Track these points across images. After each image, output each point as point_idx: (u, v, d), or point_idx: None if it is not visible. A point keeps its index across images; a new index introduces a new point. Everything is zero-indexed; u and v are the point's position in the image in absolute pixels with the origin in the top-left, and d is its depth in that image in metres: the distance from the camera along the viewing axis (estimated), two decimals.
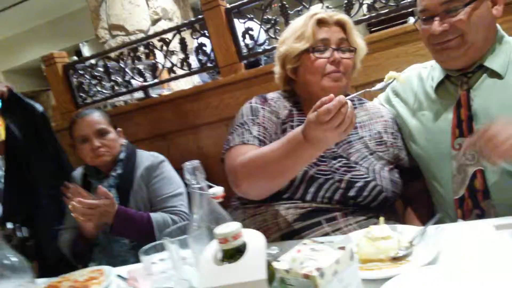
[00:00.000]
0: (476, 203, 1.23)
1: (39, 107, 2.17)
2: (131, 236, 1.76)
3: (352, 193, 1.31)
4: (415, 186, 1.47)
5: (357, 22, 1.99)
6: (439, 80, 1.34)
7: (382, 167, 1.37)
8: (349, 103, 1.03)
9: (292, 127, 1.40)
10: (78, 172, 2.00)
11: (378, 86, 1.23)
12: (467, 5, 1.20)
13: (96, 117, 1.86)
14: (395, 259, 0.98)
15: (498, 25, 1.31)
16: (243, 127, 1.39)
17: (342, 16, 1.42)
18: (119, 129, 1.94)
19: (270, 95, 1.50)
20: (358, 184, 1.31)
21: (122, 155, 1.88)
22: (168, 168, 1.90)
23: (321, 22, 1.39)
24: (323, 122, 1.01)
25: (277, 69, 1.50)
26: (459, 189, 1.25)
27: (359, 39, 1.43)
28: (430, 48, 1.31)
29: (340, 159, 1.36)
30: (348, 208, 1.31)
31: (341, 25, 1.41)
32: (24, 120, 2.11)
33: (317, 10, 1.43)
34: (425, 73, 1.43)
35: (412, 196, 1.50)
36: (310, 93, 1.42)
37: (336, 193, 1.31)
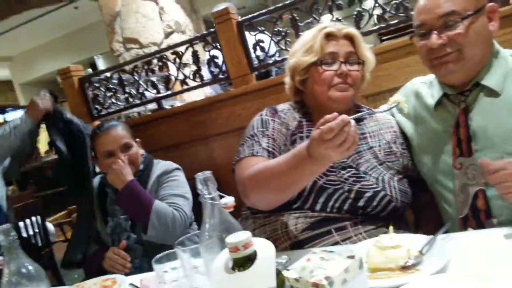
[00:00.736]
0: (479, 222, 1.22)
1: (79, 123, 2.20)
2: (130, 209, 1.80)
3: (361, 203, 1.31)
4: (425, 196, 1.47)
5: (367, 33, 2.02)
6: (438, 99, 1.35)
7: (391, 177, 1.38)
8: (352, 122, 1.05)
9: (301, 138, 1.42)
10: (96, 181, 2.03)
11: (382, 108, 1.25)
12: (465, 19, 1.21)
13: (121, 131, 1.88)
14: (405, 268, 0.99)
15: (494, 41, 1.31)
16: (253, 139, 1.42)
17: (350, 29, 1.44)
18: (138, 140, 1.97)
19: (280, 107, 1.52)
20: (367, 194, 1.32)
21: (141, 167, 1.92)
22: (179, 174, 1.94)
23: (329, 36, 1.42)
24: (325, 140, 1.03)
25: (287, 80, 1.52)
26: (463, 209, 1.25)
27: (367, 51, 1.45)
28: (427, 64, 1.31)
29: (349, 169, 1.37)
30: (358, 217, 1.32)
31: (349, 38, 1.43)
32: (67, 136, 2.16)
33: (326, 24, 1.46)
34: (423, 89, 1.43)
35: (422, 205, 1.50)
36: (318, 103, 1.45)
37: (346, 203, 1.32)
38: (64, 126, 2.16)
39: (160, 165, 1.96)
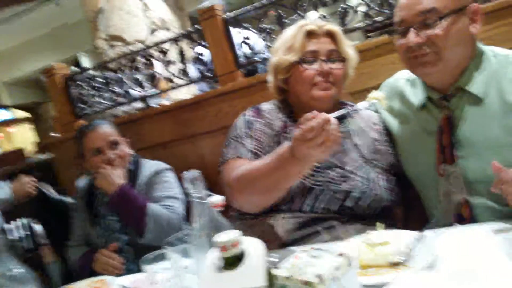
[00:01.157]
0: None
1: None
2: (124, 214, 1.78)
3: (349, 203, 1.31)
4: (413, 191, 1.47)
5: (352, 30, 2.02)
6: (422, 101, 1.32)
7: (377, 175, 1.38)
8: (333, 120, 1.05)
9: (286, 138, 1.40)
10: (83, 182, 2.01)
11: (362, 105, 1.25)
12: (444, 18, 1.17)
13: (108, 129, 1.88)
14: (394, 264, 0.99)
15: (478, 42, 1.27)
16: (237, 140, 1.42)
17: (331, 26, 1.42)
18: (126, 139, 1.96)
19: (264, 106, 1.51)
20: (354, 194, 1.32)
21: (130, 167, 1.90)
22: (170, 175, 1.92)
23: (310, 34, 1.40)
24: (306, 139, 1.04)
25: (270, 78, 1.51)
26: (448, 216, 1.24)
27: (349, 48, 1.43)
28: (406, 63, 1.28)
29: (335, 169, 1.36)
30: (346, 216, 1.32)
31: (330, 35, 1.41)
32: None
33: (306, 21, 1.44)
34: (407, 87, 1.40)
35: (410, 200, 1.49)
36: (301, 102, 1.44)
37: (333, 204, 1.31)
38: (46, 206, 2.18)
39: (149, 165, 1.95)
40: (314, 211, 1.31)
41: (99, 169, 1.78)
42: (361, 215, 1.32)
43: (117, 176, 1.76)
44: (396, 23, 1.27)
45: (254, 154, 1.37)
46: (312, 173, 1.34)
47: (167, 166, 1.96)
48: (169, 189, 1.86)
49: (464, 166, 1.20)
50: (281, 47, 1.43)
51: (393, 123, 1.44)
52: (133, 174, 1.89)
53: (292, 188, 1.32)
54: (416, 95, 1.35)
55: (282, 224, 1.33)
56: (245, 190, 1.26)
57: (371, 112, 1.53)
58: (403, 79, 1.43)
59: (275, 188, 1.23)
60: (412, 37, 1.20)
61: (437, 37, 1.18)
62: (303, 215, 1.32)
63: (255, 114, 1.47)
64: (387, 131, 1.47)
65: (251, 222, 1.39)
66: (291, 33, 1.43)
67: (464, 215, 1.20)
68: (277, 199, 1.30)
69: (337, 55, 1.41)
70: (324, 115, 1.05)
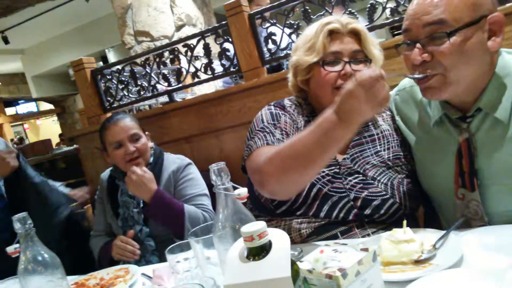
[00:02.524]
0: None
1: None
2: (163, 219, 1.78)
3: (367, 211, 1.25)
4: None
5: (380, 26, 2.00)
6: (437, 117, 1.19)
7: (401, 181, 1.30)
8: (385, 76, 0.99)
9: None
10: (105, 174, 2.05)
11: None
12: (453, 34, 1.01)
13: (129, 122, 1.89)
14: (418, 262, 0.98)
15: (503, 55, 1.11)
16: (265, 131, 1.33)
17: (356, 25, 1.32)
18: (147, 132, 1.97)
19: (286, 102, 1.44)
20: (375, 203, 1.25)
21: (151, 159, 1.92)
22: (194, 170, 1.94)
23: (333, 33, 1.31)
24: (363, 85, 0.97)
25: (289, 77, 1.45)
26: None
27: (375, 48, 1.34)
28: (414, 80, 1.14)
29: (356, 175, 1.30)
30: (364, 221, 1.26)
31: (355, 34, 1.32)
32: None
33: (329, 19, 1.34)
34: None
35: (432, 207, 1.42)
36: (322, 105, 1.32)
37: (351, 213, 1.25)
38: (20, 183, 2.09)
39: (171, 160, 1.96)
40: (331, 219, 1.26)
41: (129, 176, 1.76)
42: (381, 222, 1.27)
43: (149, 181, 1.76)
44: (403, 31, 1.12)
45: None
46: (331, 180, 1.29)
47: (188, 160, 1.97)
48: (196, 186, 1.88)
49: (485, 195, 1.10)
50: (302, 46, 1.35)
51: (409, 133, 1.34)
52: (156, 168, 1.91)
53: (310, 193, 1.27)
54: (432, 108, 1.22)
55: (298, 229, 1.28)
56: (281, 168, 1.12)
57: (390, 113, 1.43)
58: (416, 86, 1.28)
59: (315, 160, 1.08)
60: (417, 53, 1.06)
61: (443, 56, 1.03)
62: (318, 219, 1.27)
63: (280, 108, 1.41)
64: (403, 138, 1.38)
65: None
66: (313, 31, 1.33)
67: None
68: (313, 178, 1.22)
69: (362, 56, 1.32)
70: (376, 69, 0.99)
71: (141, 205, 1.85)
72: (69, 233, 2.22)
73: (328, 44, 1.30)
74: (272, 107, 1.42)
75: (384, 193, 1.27)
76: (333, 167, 1.32)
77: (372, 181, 1.29)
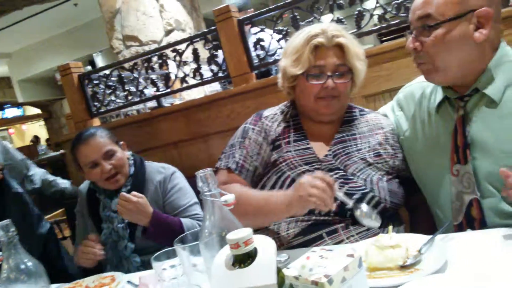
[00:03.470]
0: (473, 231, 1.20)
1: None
2: (164, 239, 1.66)
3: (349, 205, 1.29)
4: (419, 195, 1.45)
5: (367, 33, 2.02)
6: (439, 101, 1.31)
7: (380, 178, 1.37)
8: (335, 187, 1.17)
9: (287, 143, 1.44)
10: (84, 186, 1.96)
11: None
12: (436, 27, 1.16)
13: (100, 139, 1.78)
14: (404, 267, 0.99)
15: (503, 43, 1.23)
16: (232, 149, 1.51)
17: (341, 40, 1.38)
18: (121, 142, 1.89)
19: (267, 112, 1.55)
20: (355, 197, 1.30)
21: (131, 170, 1.85)
22: (180, 179, 1.89)
23: (318, 47, 1.38)
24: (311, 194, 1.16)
25: (279, 80, 1.51)
26: (458, 216, 1.23)
27: (358, 61, 1.40)
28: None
29: (337, 171, 1.36)
30: (348, 219, 1.30)
31: (340, 46, 1.39)
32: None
33: (317, 30, 1.39)
34: (428, 88, 1.39)
35: (416, 205, 1.49)
36: (304, 110, 1.48)
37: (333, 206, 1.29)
38: (2, 192, 2.12)
39: (155, 169, 1.89)
40: (315, 213, 1.31)
41: (123, 206, 1.65)
42: None
43: (145, 206, 1.66)
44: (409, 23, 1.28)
45: (240, 165, 1.45)
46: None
47: (173, 168, 1.91)
48: (186, 196, 1.84)
49: (476, 166, 1.19)
50: (289, 55, 1.42)
51: (408, 127, 1.44)
52: (138, 180, 1.84)
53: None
54: (435, 97, 1.35)
55: (286, 229, 1.34)
56: (235, 212, 1.20)
57: (379, 116, 1.52)
58: (422, 83, 1.42)
59: (257, 222, 1.33)
60: (410, 42, 1.23)
61: (429, 46, 1.19)
62: (305, 218, 1.32)
63: (255, 121, 1.52)
64: (397, 135, 1.47)
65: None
66: (300, 42, 1.39)
67: (474, 216, 1.19)
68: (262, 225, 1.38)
69: (344, 69, 1.40)
70: (329, 179, 1.17)
71: (126, 220, 1.77)
72: (47, 248, 2.20)
73: (313, 58, 1.38)
74: (249, 121, 1.55)
75: (363, 187, 1.33)
76: (314, 164, 1.38)
77: (352, 177, 1.35)
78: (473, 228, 1.20)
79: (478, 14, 1.15)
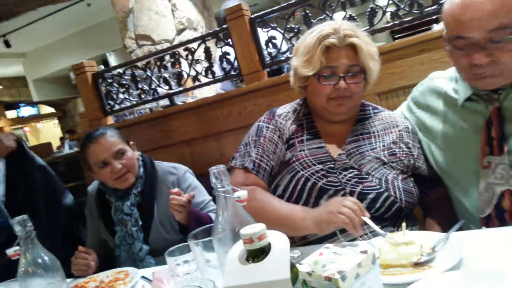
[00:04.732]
0: (503, 223, 1.19)
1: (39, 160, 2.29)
2: None
3: (364, 205, 1.26)
4: (434, 194, 1.45)
5: (380, 30, 2.01)
6: (466, 96, 1.28)
7: (395, 177, 1.35)
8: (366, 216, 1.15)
9: (300, 142, 1.43)
10: (93, 187, 1.95)
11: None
12: None
13: (110, 138, 1.78)
14: (417, 264, 0.99)
15: None
16: (246, 148, 1.49)
17: (353, 40, 1.35)
18: (131, 142, 1.88)
19: (280, 110, 1.53)
20: (370, 196, 1.30)
21: (141, 171, 1.84)
22: (192, 178, 1.89)
23: (330, 47, 1.35)
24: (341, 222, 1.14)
25: (291, 78, 1.50)
26: (486, 208, 1.22)
27: (370, 61, 1.37)
28: (464, 75, 1.24)
29: (351, 170, 1.35)
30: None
31: (352, 46, 1.36)
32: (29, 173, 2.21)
33: (328, 30, 1.36)
34: (445, 84, 1.38)
35: (431, 204, 1.47)
36: (316, 110, 1.47)
37: None
38: (26, 163, 2.20)
39: (166, 170, 1.88)
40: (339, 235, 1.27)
41: (180, 212, 1.61)
42: (378, 217, 1.30)
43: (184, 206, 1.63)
44: (455, 37, 1.17)
45: (255, 165, 1.44)
46: (325, 174, 1.34)
47: (184, 168, 1.90)
48: (203, 193, 1.84)
49: (510, 160, 1.18)
50: (300, 55, 1.41)
51: (430, 121, 1.42)
52: (150, 179, 1.83)
53: (305, 188, 1.33)
54: (457, 92, 1.32)
55: None
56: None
57: (394, 115, 1.50)
58: (442, 78, 1.40)
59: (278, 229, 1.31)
60: (483, 57, 1.13)
61: (506, 56, 1.12)
62: None
63: (268, 119, 1.51)
64: (413, 132, 1.45)
65: None
66: (311, 42, 1.37)
67: (505, 207, 1.18)
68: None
69: (356, 69, 1.37)
70: (360, 205, 1.15)
71: (140, 222, 1.78)
72: (72, 219, 2.28)
73: (324, 60, 1.35)
74: (262, 119, 1.54)
75: (378, 187, 1.31)
76: (328, 163, 1.37)
77: (367, 176, 1.33)
78: (503, 220, 1.19)
79: None
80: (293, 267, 0.75)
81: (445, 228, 1.15)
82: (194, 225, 1.62)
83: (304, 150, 1.41)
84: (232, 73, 2.36)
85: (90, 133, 1.83)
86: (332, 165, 1.36)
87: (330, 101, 1.38)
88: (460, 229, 1.12)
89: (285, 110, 1.53)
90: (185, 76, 2.50)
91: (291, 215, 1.28)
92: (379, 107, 1.54)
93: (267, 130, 1.48)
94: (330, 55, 1.36)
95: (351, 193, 1.30)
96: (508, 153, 1.19)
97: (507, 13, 1.08)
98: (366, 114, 1.49)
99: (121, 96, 2.72)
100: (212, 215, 1.72)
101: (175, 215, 1.63)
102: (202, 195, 1.84)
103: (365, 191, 1.30)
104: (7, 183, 2.17)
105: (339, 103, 1.38)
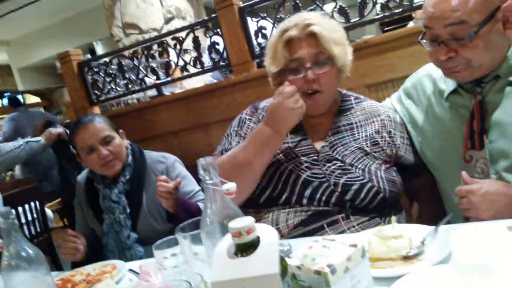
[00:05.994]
0: None
1: None
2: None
3: (348, 196, 1.29)
4: (419, 181, 1.46)
5: (370, 22, 2.00)
6: (452, 89, 1.30)
7: (378, 167, 1.35)
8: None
9: None
10: (83, 177, 1.95)
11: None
12: (475, 34, 1.13)
13: (99, 124, 1.77)
14: (406, 258, 0.99)
15: None
16: (227, 138, 1.52)
17: (313, 28, 1.31)
18: (121, 131, 1.87)
19: (263, 104, 1.54)
20: (354, 187, 1.29)
21: (129, 159, 1.83)
22: (181, 167, 1.89)
23: (291, 40, 1.33)
24: (285, 96, 1.26)
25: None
26: None
27: (336, 47, 1.33)
28: (437, 66, 1.28)
29: (335, 162, 1.35)
30: (348, 210, 1.30)
31: (313, 35, 1.32)
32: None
33: (288, 24, 1.35)
34: (438, 74, 1.38)
35: (416, 191, 1.49)
36: None
37: (332, 197, 1.29)
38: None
39: (155, 159, 1.87)
40: (314, 204, 1.30)
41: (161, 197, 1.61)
42: (364, 208, 1.30)
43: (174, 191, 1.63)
44: (424, 26, 1.22)
45: None
46: (309, 166, 1.34)
47: (173, 157, 1.90)
48: (192, 182, 1.83)
49: (491, 149, 1.19)
50: (267, 53, 1.40)
51: (419, 113, 1.43)
52: (138, 168, 1.83)
53: (289, 180, 1.33)
54: (446, 82, 1.34)
55: (285, 219, 1.32)
56: (226, 176, 1.12)
57: (376, 104, 1.49)
58: (436, 70, 1.39)
59: (254, 165, 1.32)
60: (443, 52, 1.18)
61: (467, 52, 1.15)
62: (304, 209, 1.31)
63: (251, 112, 1.53)
64: (395, 121, 1.44)
65: (254, 217, 1.33)
66: (274, 38, 1.36)
67: None
68: (253, 181, 1.35)
69: (323, 57, 1.33)
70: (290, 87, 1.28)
71: (128, 210, 1.77)
72: None
73: (287, 53, 1.33)
74: (245, 112, 1.56)
75: (361, 177, 1.31)
76: (311, 155, 1.37)
77: (350, 167, 1.33)
78: None
79: (503, 10, 1.14)
80: (282, 261, 0.74)
81: (432, 219, 1.15)
82: (181, 213, 1.62)
83: (288, 143, 1.40)
84: (221, 63, 2.34)
85: (79, 119, 1.84)
86: (315, 157, 1.36)
87: (303, 97, 1.33)
88: (448, 222, 1.12)
89: (268, 103, 1.50)
90: (173, 66, 2.46)
91: (254, 139, 1.34)
92: (361, 96, 1.52)
93: (250, 121, 1.49)
94: (292, 48, 1.34)
95: (335, 185, 1.30)
96: (488, 145, 1.20)
97: (467, 10, 1.12)
98: (348, 105, 1.47)
99: (107, 85, 2.68)
100: (201, 205, 1.71)
101: (162, 202, 1.62)
102: (191, 185, 1.83)
103: (349, 182, 1.30)
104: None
105: (313, 102, 1.35)
